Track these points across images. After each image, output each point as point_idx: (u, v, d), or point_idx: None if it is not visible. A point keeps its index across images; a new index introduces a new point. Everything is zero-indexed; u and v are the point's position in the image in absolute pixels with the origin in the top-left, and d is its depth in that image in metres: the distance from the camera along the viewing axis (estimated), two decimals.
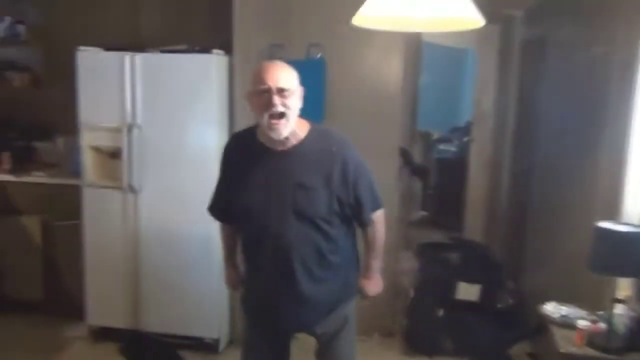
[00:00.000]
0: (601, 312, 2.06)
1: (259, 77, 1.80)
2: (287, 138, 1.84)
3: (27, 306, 3.66)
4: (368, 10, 1.59)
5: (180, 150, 3.13)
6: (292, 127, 1.82)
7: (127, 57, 3.12)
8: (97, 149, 3.26)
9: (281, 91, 1.77)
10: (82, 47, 3.19)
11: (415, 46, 4.47)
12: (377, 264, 2.10)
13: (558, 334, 2.09)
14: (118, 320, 3.32)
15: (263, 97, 1.78)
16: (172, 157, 3.15)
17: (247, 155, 1.93)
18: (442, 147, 6.63)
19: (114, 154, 3.25)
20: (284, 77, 1.80)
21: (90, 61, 3.19)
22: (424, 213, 6.29)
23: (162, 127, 3.15)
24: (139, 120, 3.14)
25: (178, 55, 3.14)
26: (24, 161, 3.77)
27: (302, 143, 1.88)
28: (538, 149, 3.83)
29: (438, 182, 6.39)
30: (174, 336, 3.26)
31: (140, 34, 3.59)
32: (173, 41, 3.33)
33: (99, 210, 3.27)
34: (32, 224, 3.60)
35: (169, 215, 3.18)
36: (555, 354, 2.00)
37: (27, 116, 4.06)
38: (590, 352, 1.95)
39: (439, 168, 6.44)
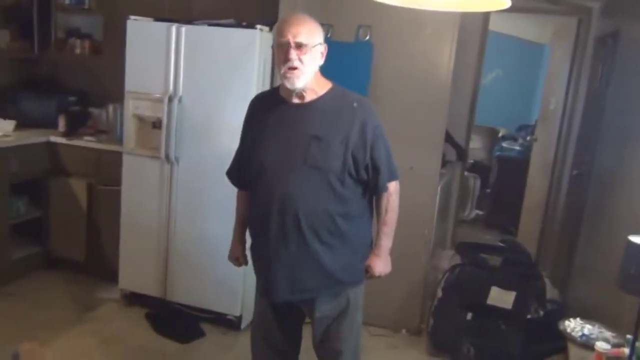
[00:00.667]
0: (629, 337, 1.85)
1: (280, 30, 1.82)
2: (304, 91, 1.86)
3: (69, 265, 3.83)
4: None
5: (219, 124, 3.12)
6: (306, 80, 1.82)
7: (173, 27, 3.14)
8: (139, 118, 3.32)
9: (299, 46, 1.78)
10: (132, 17, 3.24)
11: (478, 36, 4.24)
12: (388, 241, 2.02)
13: (576, 354, 1.90)
14: (147, 287, 3.38)
15: (282, 50, 1.81)
16: (210, 130, 3.15)
17: (266, 112, 1.94)
18: (505, 145, 6.31)
19: (155, 124, 3.29)
20: (304, 32, 1.79)
21: (139, 30, 3.23)
22: (478, 212, 6.02)
23: (203, 100, 3.15)
24: (180, 92, 3.16)
25: (222, 29, 3.12)
26: (78, 125, 3.90)
27: (321, 98, 1.88)
28: (599, 152, 3.54)
29: (497, 181, 6.10)
30: (198, 309, 3.28)
31: (192, 7, 3.60)
32: (223, 15, 3.32)
33: (137, 178, 3.33)
34: (79, 186, 3.73)
35: (203, 188, 3.19)
36: None
37: (85, 82, 4.23)
38: None
39: (499, 167, 6.14)
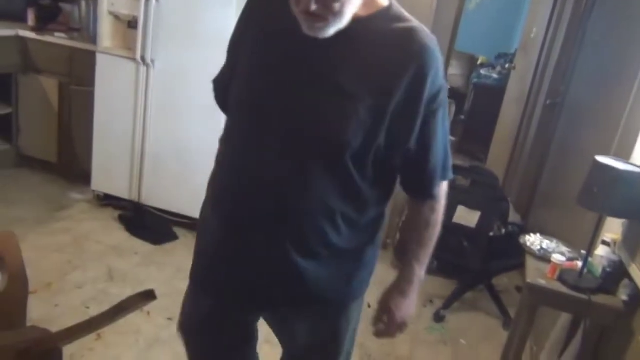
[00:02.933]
0: (584, 252, 1.97)
1: None
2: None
3: (41, 164, 3.80)
4: None
5: (198, 27, 3.03)
6: (343, 23, 1.09)
7: None
8: (115, 16, 3.21)
9: None
10: None
11: None
12: (421, 271, 1.33)
13: (532, 265, 2.02)
14: (120, 190, 3.40)
15: None
16: (188, 33, 3.07)
17: (274, 19, 1.20)
18: (483, 72, 6.32)
19: (131, 24, 3.19)
20: None
21: None
22: (451, 138, 6.11)
23: (182, 1, 3.04)
24: None
25: None
26: (48, 20, 3.74)
27: (362, 24, 1.12)
28: (574, 83, 3.59)
29: (472, 108, 6.16)
30: (172, 213, 3.33)
31: None
32: None
33: (111, 79, 3.26)
34: (50, 85, 3.63)
35: (179, 92, 3.15)
36: (525, 285, 1.94)
37: None
38: (558, 286, 1.89)
39: (475, 94, 6.19)
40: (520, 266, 2.64)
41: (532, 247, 2.10)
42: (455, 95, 6.10)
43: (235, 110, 1.27)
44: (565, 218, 2.76)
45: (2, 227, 3.08)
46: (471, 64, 6.82)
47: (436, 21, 3.39)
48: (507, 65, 5.93)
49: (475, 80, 6.34)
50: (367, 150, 1.15)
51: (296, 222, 1.20)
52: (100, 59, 3.25)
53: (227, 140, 1.31)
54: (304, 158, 1.16)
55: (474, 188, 3.28)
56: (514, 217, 3.64)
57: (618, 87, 2.55)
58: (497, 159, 5.08)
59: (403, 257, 1.36)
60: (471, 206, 3.12)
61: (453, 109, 5.87)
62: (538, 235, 2.19)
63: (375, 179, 1.21)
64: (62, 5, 3.87)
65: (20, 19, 3.72)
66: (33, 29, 3.64)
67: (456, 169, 3.58)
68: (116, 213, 3.41)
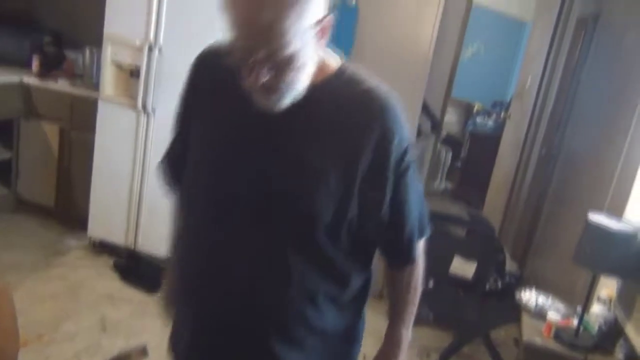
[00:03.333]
0: (579, 308, 1.96)
1: (233, 19, 0.96)
2: None
3: (38, 209, 3.80)
4: None
5: None
6: (297, 93, 1.02)
7: None
8: (117, 65, 3.27)
9: (261, 34, 0.93)
10: None
11: (462, 8, 4.25)
12: (408, 333, 1.28)
13: (528, 322, 2.02)
14: (116, 236, 3.40)
15: (234, 34, 0.96)
16: None
17: (217, 89, 1.13)
18: (479, 120, 6.41)
19: (133, 73, 3.25)
20: (280, 26, 0.92)
21: None
22: (448, 184, 6.15)
23: (183, 52, 3.07)
24: (161, 41, 3.11)
25: None
26: (52, 67, 3.81)
27: (317, 91, 1.05)
28: (569, 134, 3.65)
29: (468, 155, 6.22)
30: (166, 260, 3.31)
31: None
32: None
33: (111, 126, 3.30)
34: (51, 130, 3.67)
35: None
36: (521, 344, 1.93)
37: (62, 22, 4.10)
38: (554, 345, 1.87)
39: (472, 141, 6.26)
40: (518, 319, 2.62)
41: (528, 304, 2.10)
42: (452, 142, 6.18)
43: (193, 190, 1.17)
44: (561, 269, 2.76)
45: None
46: (467, 111, 6.93)
47: (433, 69, 3.46)
48: (502, 114, 6.03)
49: (471, 127, 6.43)
50: (341, 223, 1.08)
51: (274, 312, 1.11)
52: (102, 106, 3.30)
53: (186, 223, 1.22)
54: (275, 240, 1.07)
55: (470, 238, 3.29)
56: (510, 265, 3.64)
57: (611, 139, 2.60)
58: (493, 206, 5.10)
59: (388, 321, 1.30)
60: (467, 256, 3.12)
61: (449, 155, 5.94)
62: (534, 290, 2.18)
63: (353, 249, 1.13)
64: (67, 52, 3.95)
65: (25, 65, 3.79)
66: (37, 75, 3.70)
67: (452, 219, 3.62)
68: (111, 260, 3.40)
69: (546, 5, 4.99)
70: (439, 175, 5.85)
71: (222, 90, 1.12)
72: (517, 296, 2.16)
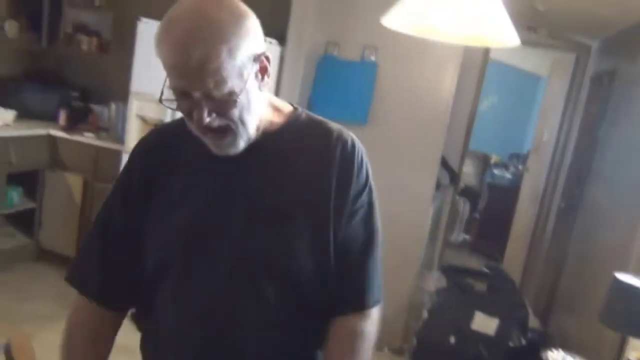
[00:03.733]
0: None
1: (164, 59, 0.93)
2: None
3: (58, 259, 3.83)
4: (398, 14, 1.54)
5: None
6: (249, 132, 0.99)
7: None
8: (142, 119, 3.36)
9: (194, 74, 0.90)
10: (143, 18, 3.29)
11: (479, 63, 4.33)
12: None
13: None
14: None
15: (180, 98, 0.95)
16: None
17: (172, 165, 1.08)
18: (496, 172, 6.41)
19: (157, 126, 3.32)
20: (211, 65, 0.89)
21: (149, 32, 3.25)
22: (465, 236, 6.10)
23: None
24: None
25: None
26: (78, 121, 3.93)
27: (275, 136, 1.05)
28: (589, 188, 3.63)
29: (486, 207, 6.19)
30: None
31: None
32: None
33: None
34: (75, 181, 3.75)
35: None
36: None
37: (89, 78, 4.25)
38: None
39: (489, 193, 6.24)
40: None
41: None
42: (469, 193, 6.17)
43: (159, 274, 1.08)
44: (587, 327, 2.70)
45: (17, 322, 3.07)
46: (484, 162, 6.94)
47: (451, 121, 3.50)
48: (520, 166, 6.03)
49: (489, 179, 6.43)
50: (321, 273, 1.04)
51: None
52: (126, 159, 3.36)
53: (158, 306, 1.12)
54: (257, 298, 1.01)
55: (491, 293, 3.24)
56: (533, 321, 3.56)
57: (633, 192, 2.58)
58: (513, 259, 5.04)
59: None
60: (489, 312, 3.07)
61: (467, 207, 5.92)
62: (560, 351, 2.13)
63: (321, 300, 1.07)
64: (93, 106, 4.08)
65: (53, 119, 3.92)
66: (63, 129, 3.82)
67: (472, 272, 3.58)
68: (129, 312, 3.38)
69: (561, 62, 5.07)
70: (457, 227, 5.81)
71: (172, 162, 1.08)
72: (543, 356, 2.10)
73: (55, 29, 4.00)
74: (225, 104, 0.93)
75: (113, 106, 3.86)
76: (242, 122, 0.97)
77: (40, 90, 4.04)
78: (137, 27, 3.30)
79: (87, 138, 3.74)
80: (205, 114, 0.93)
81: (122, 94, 3.61)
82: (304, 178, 1.05)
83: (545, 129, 4.99)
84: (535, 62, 6.90)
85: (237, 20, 0.93)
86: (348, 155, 1.07)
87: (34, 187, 3.82)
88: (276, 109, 1.09)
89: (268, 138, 1.05)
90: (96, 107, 4.07)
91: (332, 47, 3.44)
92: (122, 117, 3.63)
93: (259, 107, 1.01)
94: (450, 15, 1.42)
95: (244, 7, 0.96)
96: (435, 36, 1.58)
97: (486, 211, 6.16)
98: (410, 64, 3.38)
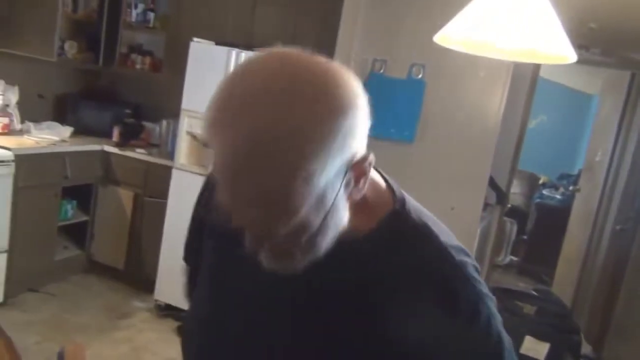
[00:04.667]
0: None
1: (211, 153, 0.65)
2: None
3: (108, 271, 3.94)
4: (451, 30, 1.53)
5: None
6: (319, 254, 0.71)
7: (233, 52, 3.27)
8: (192, 136, 3.44)
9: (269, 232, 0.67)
10: (196, 39, 3.38)
11: (529, 82, 4.25)
12: None
13: None
14: (182, 301, 3.43)
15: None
16: None
17: (206, 224, 0.94)
18: (546, 192, 6.25)
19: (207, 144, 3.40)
20: (276, 203, 0.64)
21: (201, 52, 3.37)
22: (513, 258, 5.95)
23: None
24: None
25: None
26: (131, 137, 4.06)
27: (356, 242, 0.75)
28: None
29: (534, 228, 6.03)
30: None
31: (254, 32, 3.73)
32: (284, 42, 3.41)
33: (183, 193, 3.43)
34: (126, 196, 3.86)
35: None
36: None
37: (142, 96, 4.40)
38: None
39: (538, 214, 6.07)
40: None
41: None
42: (516, 214, 6.02)
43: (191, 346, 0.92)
44: None
45: (69, 332, 3.16)
46: (532, 183, 6.77)
47: (499, 140, 3.44)
48: (570, 187, 5.86)
49: (538, 200, 6.27)
50: None
51: None
52: (175, 174, 3.45)
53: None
54: None
55: (541, 317, 3.13)
56: (585, 348, 3.42)
57: None
58: (563, 282, 4.87)
59: None
60: (539, 337, 2.96)
61: (515, 228, 5.77)
62: None
63: None
64: (145, 123, 4.21)
65: (107, 135, 4.06)
66: (116, 145, 3.94)
67: (522, 296, 3.47)
68: (176, 324, 3.44)
69: (614, 79, 4.93)
70: (504, 248, 5.67)
71: (232, 240, 0.73)
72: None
73: (111, 49, 4.16)
74: (291, 235, 0.67)
75: (164, 123, 3.97)
76: (312, 245, 0.69)
77: (95, 108, 4.20)
78: (189, 47, 3.39)
79: (139, 154, 3.85)
80: (261, 245, 0.70)
81: (173, 111, 3.71)
82: (389, 314, 0.75)
83: (598, 148, 4.84)
84: (585, 80, 6.73)
85: (329, 121, 0.63)
86: (468, 300, 0.75)
87: (88, 201, 3.95)
88: (366, 206, 0.75)
89: (345, 245, 0.72)
90: (148, 124, 4.19)
91: (379, 64, 3.45)
92: (173, 134, 3.74)
93: (343, 219, 0.71)
94: (504, 30, 1.40)
95: (348, 88, 0.66)
96: (489, 52, 1.57)
97: (534, 232, 5.99)
98: (459, 81, 3.35)
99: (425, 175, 3.44)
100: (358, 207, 0.73)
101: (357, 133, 0.66)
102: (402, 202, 0.79)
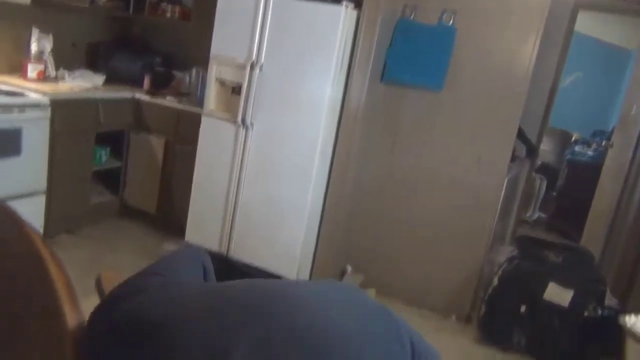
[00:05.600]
0: None
1: None
2: None
3: (141, 215, 4.06)
4: None
5: (295, 95, 3.22)
6: None
7: None
8: (221, 82, 3.47)
9: None
10: None
11: (562, 34, 4.14)
12: None
13: (634, 349, 1.89)
14: (211, 243, 3.55)
15: None
16: (286, 99, 3.26)
17: None
18: (578, 149, 6.13)
19: (235, 90, 3.43)
20: None
21: (228, 0, 3.37)
22: (541, 214, 5.90)
23: (283, 70, 3.26)
24: (262, 60, 3.28)
25: (309, 3, 3.20)
26: (161, 85, 4.12)
27: None
28: None
29: (564, 185, 5.95)
30: (256, 269, 3.42)
31: None
32: None
33: (212, 139, 3.49)
34: (157, 142, 3.95)
35: (274, 154, 3.31)
36: None
37: (171, 45, 4.44)
38: None
39: (569, 171, 5.98)
40: (618, 351, 2.47)
41: (634, 329, 1.97)
42: (547, 170, 5.95)
43: None
44: None
45: (103, 270, 3.29)
46: (564, 140, 6.66)
47: (530, 95, 3.39)
48: (603, 143, 5.74)
49: (569, 156, 6.16)
50: None
51: None
52: (205, 121, 3.50)
53: None
54: None
55: (567, 265, 3.14)
56: (609, 300, 3.42)
57: None
58: (591, 238, 4.82)
59: None
60: (564, 284, 2.98)
61: (544, 184, 5.71)
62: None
63: None
64: (174, 72, 4.25)
65: (138, 84, 4.13)
66: (147, 93, 4.01)
67: (549, 245, 3.47)
68: None
69: None
70: (533, 204, 5.63)
71: None
72: (621, 321, 2.03)
73: None
74: None
75: (194, 71, 4.01)
76: None
77: (127, 56, 4.26)
78: None
79: (169, 102, 3.92)
80: None
81: (202, 60, 3.73)
82: None
83: (634, 102, 4.71)
84: (623, 34, 6.50)
85: None
86: None
87: (120, 147, 4.05)
88: None
89: None
90: (178, 73, 4.24)
91: (410, 10, 3.40)
92: (202, 82, 3.77)
93: None
94: None
95: None
96: None
97: (564, 189, 5.92)
98: (490, 29, 3.29)
99: (453, 124, 3.43)
100: None
101: None
102: None
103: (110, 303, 1.11)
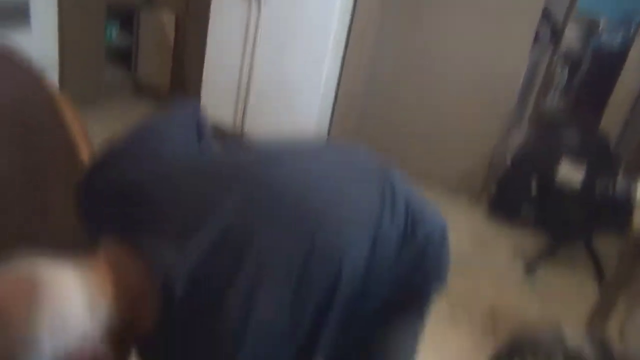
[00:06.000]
0: None
1: None
2: None
3: (154, 92, 4.05)
4: None
5: None
6: None
7: None
8: None
9: None
10: None
11: None
12: None
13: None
14: (225, 119, 3.56)
15: None
16: None
17: None
18: (605, 36, 5.87)
19: None
20: None
21: None
22: (560, 104, 5.78)
23: None
24: None
25: None
26: None
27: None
28: None
29: (588, 74, 5.77)
30: None
31: None
32: None
33: (224, 15, 3.38)
34: (168, 19, 3.84)
35: (286, 29, 3.21)
36: (630, 235, 1.84)
37: None
38: None
39: (593, 59, 5.77)
40: (627, 226, 2.50)
41: None
42: (570, 59, 5.75)
43: None
44: None
45: None
46: (591, 28, 6.36)
47: None
48: (633, 28, 5.49)
49: (594, 44, 5.92)
50: None
51: None
52: None
53: None
54: None
55: (582, 146, 3.11)
56: (622, 184, 3.42)
57: None
58: (610, 125, 4.75)
59: None
60: (577, 163, 2.97)
61: (565, 72, 5.55)
62: None
63: None
64: None
65: None
66: None
67: (564, 124, 3.42)
68: (218, 143, 3.58)
69: None
70: (552, 92, 5.50)
71: None
72: (632, 190, 2.04)
73: None
74: None
75: None
76: None
77: None
78: None
79: None
80: None
81: None
82: None
83: None
84: None
85: None
86: None
87: (130, 25, 3.96)
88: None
89: None
90: None
91: None
92: None
93: None
94: None
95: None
96: None
97: (586, 79, 5.75)
98: None
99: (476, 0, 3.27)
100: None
101: None
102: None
103: (93, 169, 1.13)
